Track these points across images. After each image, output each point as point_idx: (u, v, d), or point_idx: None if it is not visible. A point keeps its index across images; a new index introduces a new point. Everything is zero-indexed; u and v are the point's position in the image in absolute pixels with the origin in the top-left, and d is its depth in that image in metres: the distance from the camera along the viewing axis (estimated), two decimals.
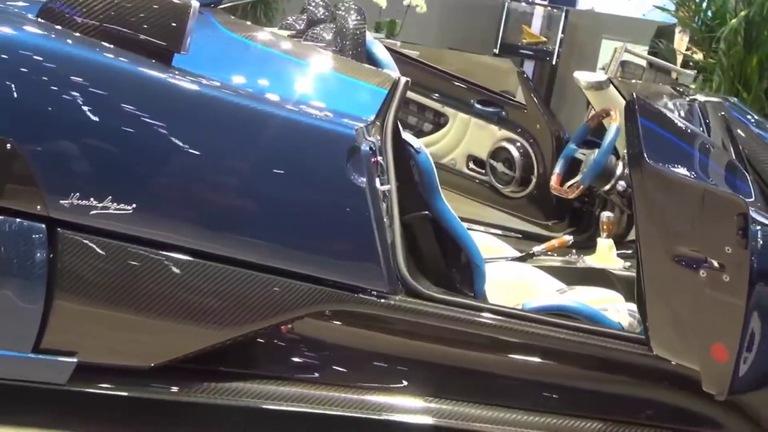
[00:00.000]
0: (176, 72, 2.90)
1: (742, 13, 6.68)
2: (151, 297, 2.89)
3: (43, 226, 2.81)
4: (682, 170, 2.81)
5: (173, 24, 2.87)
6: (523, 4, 9.12)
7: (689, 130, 3.21)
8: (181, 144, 2.88)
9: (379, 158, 3.05)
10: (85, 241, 2.86)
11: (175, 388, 2.96)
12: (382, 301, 3.02)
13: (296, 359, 3.10)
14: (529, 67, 8.14)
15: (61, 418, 3.01)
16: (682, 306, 2.78)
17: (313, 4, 3.79)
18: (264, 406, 2.98)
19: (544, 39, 8.48)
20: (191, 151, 2.88)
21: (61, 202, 2.80)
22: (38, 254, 2.81)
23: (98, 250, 2.87)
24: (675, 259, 2.74)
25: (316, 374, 3.07)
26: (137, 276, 2.88)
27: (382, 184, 3.03)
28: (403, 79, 3.24)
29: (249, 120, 2.93)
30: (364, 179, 2.96)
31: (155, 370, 2.94)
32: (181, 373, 2.97)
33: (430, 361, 3.11)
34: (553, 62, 8.18)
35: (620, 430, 3.04)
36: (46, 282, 2.81)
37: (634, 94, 3.00)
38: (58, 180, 2.82)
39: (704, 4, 7.12)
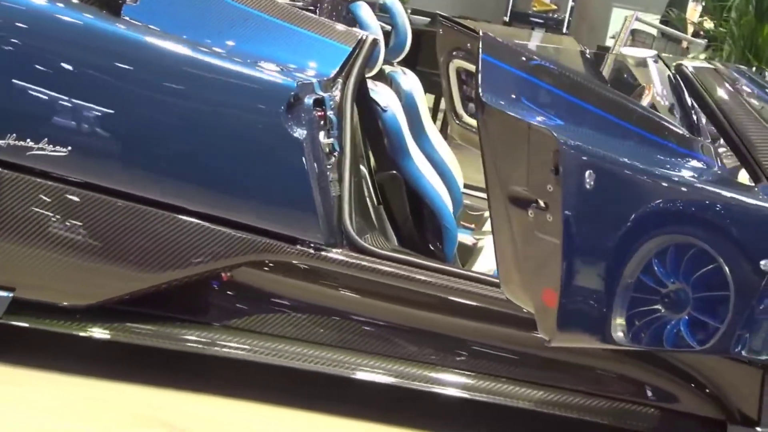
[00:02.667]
0: (123, 22, 3.00)
1: None
2: (85, 238, 2.95)
3: None
4: (520, 109, 2.66)
5: None
6: None
7: (553, 70, 2.99)
8: (119, 90, 2.96)
9: (330, 113, 3.04)
10: (21, 181, 2.92)
11: (108, 329, 2.98)
12: (322, 254, 3.02)
13: (234, 307, 3.10)
14: (538, 35, 8.10)
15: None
16: (521, 249, 2.70)
17: None
18: (198, 351, 3.00)
19: (554, 7, 8.46)
20: (130, 97, 2.96)
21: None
22: None
23: (34, 190, 2.93)
24: (511, 199, 2.68)
25: (254, 323, 3.07)
26: (73, 217, 2.95)
27: (330, 138, 3.03)
28: (371, 38, 3.26)
29: (189, 68, 2.98)
30: (304, 131, 2.97)
31: (91, 310, 2.98)
32: (117, 315, 3.00)
33: (367, 315, 3.10)
34: (564, 30, 8.16)
35: (564, 398, 2.99)
36: None
37: (481, 31, 2.90)
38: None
39: None
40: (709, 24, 7.18)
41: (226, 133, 3.00)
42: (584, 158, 2.50)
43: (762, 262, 2.60)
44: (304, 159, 2.98)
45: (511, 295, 2.76)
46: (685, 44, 7.16)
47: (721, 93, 3.17)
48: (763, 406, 2.79)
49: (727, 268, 2.61)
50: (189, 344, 3.00)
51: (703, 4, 7.23)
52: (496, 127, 2.65)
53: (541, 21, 8.22)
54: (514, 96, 2.68)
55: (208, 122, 2.99)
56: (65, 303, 3.01)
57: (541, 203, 2.54)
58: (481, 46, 2.70)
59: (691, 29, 7.27)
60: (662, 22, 7.23)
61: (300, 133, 2.98)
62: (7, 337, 3.00)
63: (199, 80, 3.00)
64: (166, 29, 3.08)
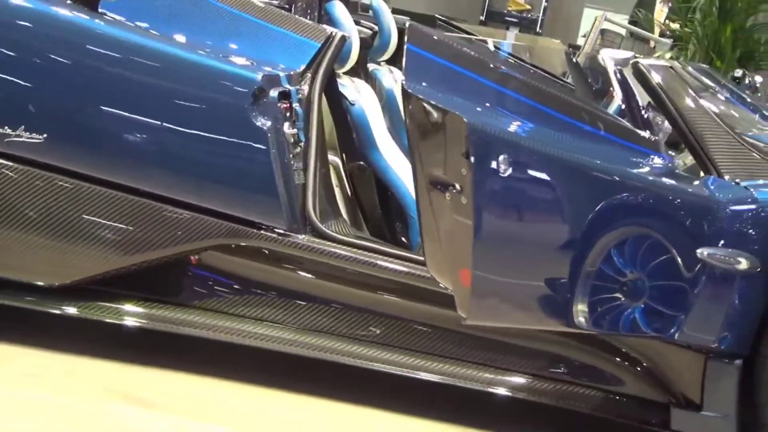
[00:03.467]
0: (98, 16, 3.08)
1: None
2: (58, 221, 3.02)
3: None
4: (444, 97, 2.64)
5: None
6: None
7: (481, 60, 2.96)
8: (93, 80, 3.03)
9: (296, 105, 3.11)
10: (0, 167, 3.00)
11: (77, 308, 3.04)
12: (285, 239, 3.08)
13: (201, 288, 3.15)
14: (510, 34, 8.16)
15: None
16: (441, 231, 2.72)
17: None
18: (165, 329, 3.04)
19: (528, 6, 8.47)
20: (102, 87, 3.03)
21: None
22: None
23: (11, 174, 3.01)
24: (432, 183, 2.69)
25: (219, 304, 3.13)
26: (46, 201, 3.02)
27: (294, 129, 3.09)
28: (339, 34, 3.32)
29: (160, 60, 3.05)
30: (268, 122, 3.03)
31: (59, 289, 3.05)
32: (87, 294, 3.07)
33: (330, 297, 3.14)
34: (537, 29, 8.21)
35: (515, 380, 3.02)
36: None
37: (408, 23, 2.92)
38: None
39: None
40: (675, 25, 7.24)
41: (194, 122, 3.06)
42: (499, 143, 2.52)
43: (698, 251, 2.76)
44: (267, 148, 3.03)
45: (435, 274, 2.80)
46: (652, 44, 7.23)
47: (675, 90, 3.15)
48: (705, 391, 2.80)
49: (679, 258, 2.70)
50: (160, 323, 3.04)
51: (670, 5, 7.30)
52: (419, 115, 2.68)
53: (516, 20, 8.25)
54: (438, 84, 2.67)
55: (178, 111, 3.06)
56: (40, 282, 3.05)
57: (457, 186, 2.57)
58: (407, 36, 2.72)
59: (658, 30, 7.34)
60: (631, 22, 7.32)
61: (264, 123, 3.03)
62: None
63: (169, 71, 3.06)
64: (141, 24, 3.15)
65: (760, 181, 2.94)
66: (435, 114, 2.61)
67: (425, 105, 2.62)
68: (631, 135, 3.03)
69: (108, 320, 3.04)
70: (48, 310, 3.05)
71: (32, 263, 3.07)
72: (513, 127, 2.71)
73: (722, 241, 2.76)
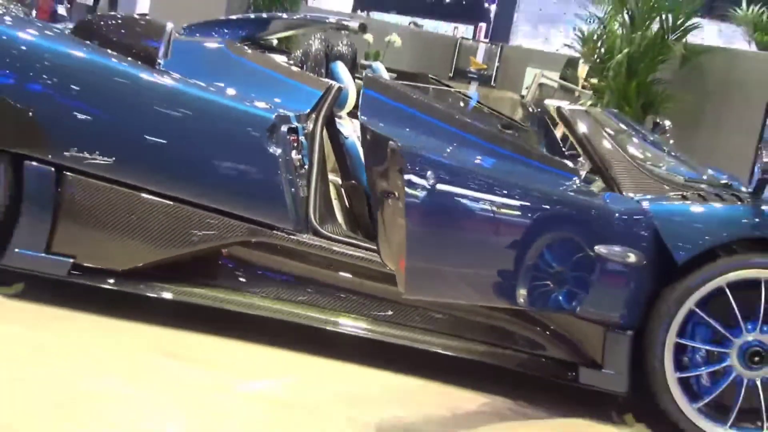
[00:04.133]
0: (158, 71, 3.14)
1: (625, 51, 6.74)
2: (124, 222, 3.05)
3: (53, 169, 3.01)
4: (388, 126, 2.69)
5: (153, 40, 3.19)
6: (471, 41, 9.32)
7: (422, 102, 3.00)
8: (154, 119, 3.06)
9: (301, 138, 3.15)
10: (80, 181, 3.03)
11: (139, 286, 3.06)
12: (292, 237, 3.10)
13: (229, 274, 3.15)
14: (473, 86, 8.21)
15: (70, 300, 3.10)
16: (386, 228, 2.77)
17: (311, 43, 3.95)
18: (206, 304, 3.04)
19: (485, 66, 8.52)
20: (160, 125, 3.06)
21: (65, 153, 3.01)
22: (48, 189, 3.00)
23: (89, 188, 3.04)
24: (380, 193, 2.74)
25: (242, 285, 3.12)
26: (113, 207, 3.04)
27: (300, 155, 3.13)
28: (336, 86, 3.37)
29: (203, 105, 3.10)
30: (279, 150, 3.07)
31: (125, 273, 3.06)
32: (146, 276, 3.08)
33: (326, 281, 3.14)
34: (492, 83, 8.27)
35: (461, 344, 3.00)
36: (53, 206, 3.00)
37: (365, 72, 3.03)
38: (66, 139, 3.01)
39: (599, 43, 7.19)
40: (594, 80, 7.26)
41: (225, 149, 3.10)
42: (426, 162, 2.55)
43: (596, 247, 2.78)
44: (278, 169, 3.07)
45: (385, 261, 2.86)
46: (577, 94, 7.25)
47: (589, 127, 3.19)
48: (605, 354, 2.86)
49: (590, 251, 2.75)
50: (197, 299, 3.04)
51: (590, 65, 7.31)
52: (370, 141, 2.76)
53: (475, 76, 8.32)
54: (387, 119, 2.73)
55: (213, 141, 3.10)
56: (112, 267, 3.06)
57: (396, 194, 2.62)
58: (364, 83, 2.81)
59: (581, 83, 7.36)
60: (561, 77, 7.35)
61: (276, 150, 3.07)
62: (64, 288, 3.08)
63: (208, 113, 3.11)
64: (188, 76, 3.20)
65: (650, 196, 2.96)
66: (380, 141, 2.64)
67: (374, 133, 2.65)
68: (551, 161, 3.06)
69: (162, 296, 3.05)
70: (117, 289, 3.06)
71: (104, 253, 3.07)
72: (440, 150, 2.72)
73: (614, 241, 2.77)
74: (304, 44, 4.12)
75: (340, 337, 3.07)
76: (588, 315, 2.86)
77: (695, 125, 6.71)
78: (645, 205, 2.89)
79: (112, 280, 3.05)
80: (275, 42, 4.43)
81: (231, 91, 3.22)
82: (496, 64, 8.40)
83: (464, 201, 2.66)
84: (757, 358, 2.77)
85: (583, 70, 7.41)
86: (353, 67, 4.27)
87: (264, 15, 5.76)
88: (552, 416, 2.92)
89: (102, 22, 3.32)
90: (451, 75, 8.37)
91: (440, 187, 2.57)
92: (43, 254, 3.01)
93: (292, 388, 2.79)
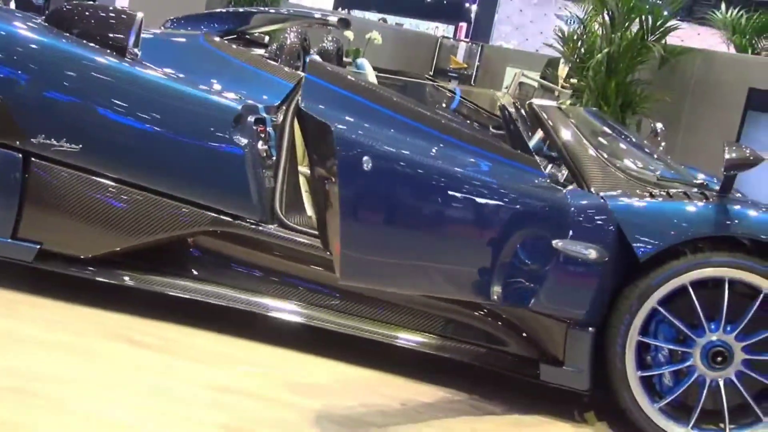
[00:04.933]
0: (127, 60, 3.13)
1: (605, 50, 6.71)
2: (88, 208, 3.02)
3: (20, 155, 2.99)
4: (334, 111, 2.60)
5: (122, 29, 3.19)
6: (452, 40, 9.27)
7: (368, 88, 2.91)
8: (125, 108, 3.04)
9: (269, 129, 3.10)
10: (48, 168, 3.00)
11: (105, 273, 3.04)
12: (258, 228, 3.07)
13: (196, 263, 3.13)
14: (454, 85, 8.15)
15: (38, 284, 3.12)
16: (324, 213, 2.75)
17: (287, 35, 3.97)
18: (168, 293, 3.02)
19: (465, 65, 8.48)
20: (126, 114, 3.04)
21: (32, 140, 2.99)
22: (15, 175, 2.98)
23: (56, 174, 3.01)
24: (317, 178, 2.72)
25: (208, 274, 3.10)
26: (80, 194, 3.02)
27: (267, 146, 3.09)
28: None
29: (170, 94, 3.08)
30: (245, 141, 3.03)
31: (91, 259, 3.05)
32: (111, 264, 3.06)
33: (290, 272, 3.11)
34: (472, 82, 8.22)
35: (424, 340, 2.94)
36: (19, 192, 2.98)
37: (308, 58, 2.99)
38: (33, 126, 2.98)
39: (579, 43, 7.15)
40: (574, 80, 7.23)
41: (190, 138, 3.07)
42: (362, 147, 2.48)
43: (554, 242, 2.71)
44: (243, 160, 3.04)
45: (323, 245, 2.80)
46: (556, 93, 7.21)
47: (559, 124, 3.11)
48: (566, 351, 2.78)
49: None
50: (162, 287, 3.01)
51: (570, 65, 7.27)
52: (310, 127, 2.71)
53: (456, 75, 8.27)
54: (329, 105, 2.65)
55: (179, 131, 3.06)
56: (77, 254, 3.04)
57: (332, 179, 2.57)
58: (307, 68, 2.76)
59: (561, 82, 7.31)
60: (541, 77, 7.30)
61: (240, 141, 3.04)
62: (29, 274, 3.09)
63: (174, 101, 3.08)
64: (164, 67, 3.19)
65: (616, 193, 2.88)
66: (318, 126, 2.59)
67: (312, 119, 2.60)
68: (510, 154, 2.96)
69: (126, 284, 3.03)
70: (80, 275, 3.04)
71: (70, 239, 3.05)
72: (381, 136, 2.62)
73: (574, 236, 2.70)
74: (281, 37, 4.08)
75: (300, 328, 3.03)
76: (547, 311, 2.79)
77: (674, 125, 6.68)
78: (608, 201, 2.81)
79: (78, 267, 3.03)
80: (266, 39, 4.41)
81: (199, 82, 3.18)
82: (477, 63, 8.36)
83: (403, 189, 2.58)
84: (719, 359, 2.70)
85: (563, 69, 7.36)
86: (339, 63, 4.23)
87: (251, 9, 5.77)
88: (510, 412, 2.86)
89: (74, 11, 3.29)
90: (431, 74, 8.32)
91: (377, 173, 2.50)
92: (9, 240, 2.98)
93: (243, 375, 2.76)
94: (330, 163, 2.53)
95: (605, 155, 3.06)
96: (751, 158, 2.70)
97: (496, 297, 2.70)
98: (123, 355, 2.72)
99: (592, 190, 2.91)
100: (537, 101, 3.32)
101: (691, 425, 2.71)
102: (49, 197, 3.01)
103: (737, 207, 2.77)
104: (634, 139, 3.74)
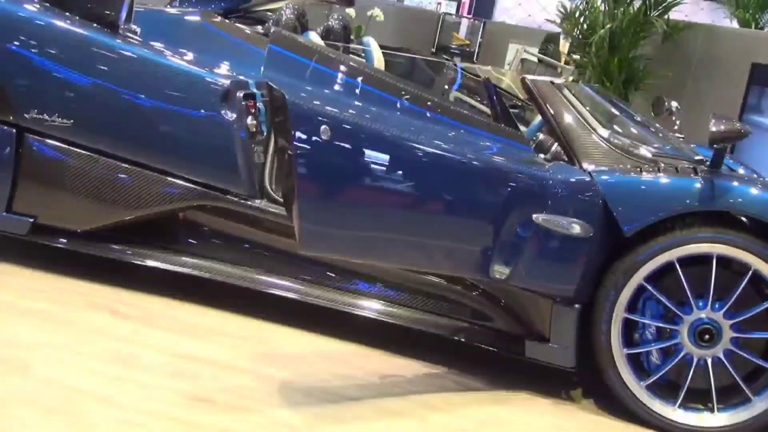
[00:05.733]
0: (118, 36, 3.11)
1: (608, 26, 6.59)
2: (80, 182, 3.01)
3: (13, 130, 2.99)
4: (296, 81, 2.56)
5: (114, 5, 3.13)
6: (454, 16, 9.06)
7: (332, 58, 2.84)
8: (111, 84, 3.02)
9: (259, 104, 3.04)
10: (41, 142, 3.00)
11: (96, 246, 3.03)
12: (246, 202, 3.04)
13: (186, 237, 3.12)
14: (457, 61, 8.01)
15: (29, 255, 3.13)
16: (286, 184, 2.72)
17: (284, 11, 3.86)
18: (158, 266, 3.01)
19: (468, 42, 8.32)
20: (117, 89, 3.02)
21: (25, 115, 2.98)
22: (8, 149, 2.98)
23: (48, 149, 3.01)
24: (279, 149, 2.67)
25: (198, 249, 3.09)
26: (72, 169, 3.01)
27: (256, 121, 3.02)
28: None
29: (160, 70, 3.05)
30: (234, 115, 2.98)
31: (84, 233, 3.04)
32: (104, 238, 3.05)
33: (278, 247, 3.07)
34: (474, 59, 8.07)
35: (412, 315, 2.89)
36: (12, 168, 2.98)
37: (272, 28, 2.90)
38: (26, 101, 2.98)
39: (581, 19, 7.01)
40: (576, 56, 7.10)
41: (180, 113, 3.04)
42: (319, 117, 2.42)
43: (534, 216, 2.63)
44: (231, 135, 2.99)
45: (288, 215, 2.76)
46: (559, 70, 7.08)
47: (551, 98, 3.01)
48: (551, 328, 2.72)
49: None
50: (152, 261, 3.01)
51: (570, 40, 7.13)
52: (270, 97, 2.67)
53: (458, 52, 8.12)
54: (291, 74, 2.59)
55: (169, 106, 3.04)
56: (71, 227, 3.04)
57: (290, 150, 2.51)
58: (270, 38, 2.70)
59: (563, 59, 7.18)
60: (541, 52, 7.16)
61: (229, 115, 2.99)
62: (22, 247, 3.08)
63: (164, 76, 3.05)
64: (155, 42, 3.16)
65: (605, 168, 2.79)
66: (277, 95, 2.52)
67: (272, 88, 2.55)
68: (496, 129, 2.88)
69: (116, 257, 3.03)
70: (73, 249, 3.03)
71: (64, 213, 3.05)
72: (341, 105, 2.55)
73: (556, 211, 2.62)
74: (277, 13, 4.00)
75: (287, 302, 2.98)
76: (530, 286, 2.72)
77: (677, 101, 6.52)
78: (594, 176, 2.72)
79: (71, 241, 3.03)
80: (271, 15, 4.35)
81: (189, 57, 3.15)
82: (479, 39, 8.20)
83: (362, 158, 2.51)
84: (707, 336, 2.62)
85: (564, 45, 7.21)
86: (347, 41, 4.14)
87: None
88: (492, 388, 2.80)
89: None
90: (433, 50, 8.19)
91: (335, 142, 2.43)
92: (3, 213, 2.99)
93: (217, 345, 2.73)
94: (288, 132, 2.47)
95: (598, 131, 2.97)
96: (738, 131, 2.60)
97: (471, 271, 2.62)
98: (101, 324, 2.70)
99: (583, 165, 2.82)
100: (530, 76, 3.23)
101: (678, 404, 2.64)
102: (42, 172, 3.01)
103: (725, 181, 2.67)
104: (634, 116, 3.64)
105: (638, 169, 2.81)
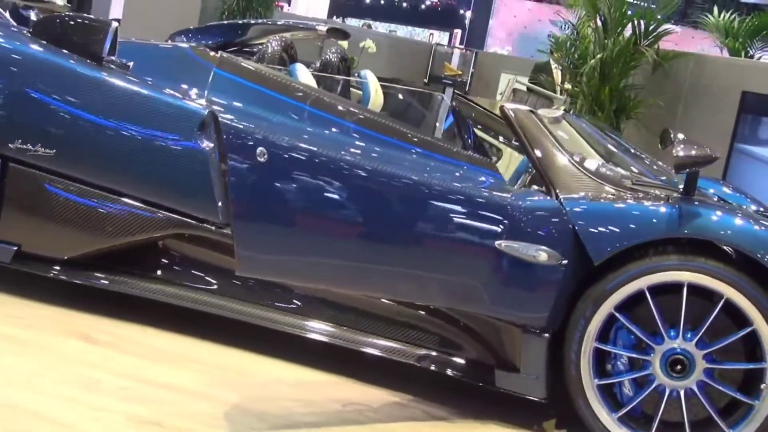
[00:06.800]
0: (100, 68, 3.13)
1: (598, 56, 6.58)
2: (61, 211, 3.02)
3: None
4: (239, 103, 2.57)
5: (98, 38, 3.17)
6: (446, 47, 9.12)
7: (283, 83, 2.85)
8: (92, 114, 3.04)
9: None
10: (24, 172, 3.02)
11: (78, 275, 3.03)
12: (221, 230, 3.01)
13: (163, 264, 3.11)
14: (448, 92, 7.99)
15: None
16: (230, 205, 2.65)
17: (269, 43, 3.85)
18: (137, 294, 2.99)
19: (460, 72, 8.34)
20: (97, 119, 3.04)
21: (10, 145, 3.01)
22: None
23: (32, 178, 3.03)
24: (223, 171, 2.61)
25: (175, 276, 3.07)
26: (53, 197, 3.02)
27: None
28: None
29: (139, 100, 3.07)
30: (211, 145, 2.90)
31: (68, 261, 3.04)
32: (89, 266, 3.04)
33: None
34: (466, 89, 8.08)
35: (381, 343, 2.82)
36: None
37: (220, 53, 2.86)
38: (11, 132, 3.00)
39: (573, 49, 7.00)
40: (568, 85, 7.07)
41: (158, 143, 3.04)
42: (254, 139, 2.40)
43: (497, 243, 2.55)
44: (208, 164, 2.91)
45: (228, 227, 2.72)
46: (551, 99, 7.05)
47: (529, 127, 2.93)
48: (521, 357, 2.62)
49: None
50: (128, 289, 2.99)
51: (563, 70, 7.12)
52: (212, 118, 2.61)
53: (450, 82, 8.12)
54: (236, 97, 2.61)
55: (148, 136, 3.04)
56: (55, 255, 3.04)
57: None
58: (217, 63, 2.69)
59: (558, 88, 7.16)
60: (532, 82, 7.13)
61: (207, 145, 2.92)
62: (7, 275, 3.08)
63: (143, 107, 3.06)
64: (143, 74, 3.18)
65: (577, 196, 2.70)
66: (212, 118, 2.53)
67: (213, 112, 2.56)
68: (458, 155, 2.83)
69: (98, 286, 3.01)
70: (61, 278, 3.03)
71: (46, 242, 3.05)
72: (286, 129, 2.55)
73: (520, 238, 2.55)
74: (264, 45, 4.00)
75: (259, 329, 2.92)
76: (494, 314, 2.64)
77: (668, 129, 6.49)
78: (565, 203, 2.64)
79: (54, 269, 3.03)
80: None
81: (169, 89, 3.15)
82: (471, 69, 8.22)
83: (301, 182, 2.46)
84: (679, 367, 2.51)
85: (556, 75, 7.19)
86: (346, 74, 4.14)
87: (249, 21, 5.75)
88: (461, 418, 2.70)
89: (56, 22, 3.34)
90: (426, 81, 8.20)
91: (270, 164, 2.39)
92: None
93: (184, 371, 2.69)
94: (223, 155, 2.45)
95: (576, 159, 2.89)
96: (705, 156, 2.52)
97: (428, 298, 2.55)
98: (72, 349, 2.69)
99: (558, 193, 2.74)
100: (509, 104, 3.18)
101: None
102: (25, 200, 3.02)
103: (695, 208, 2.58)
104: (621, 144, 3.57)
105: (611, 196, 2.73)
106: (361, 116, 2.74)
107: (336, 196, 2.47)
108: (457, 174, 2.69)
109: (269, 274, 2.58)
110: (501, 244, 2.53)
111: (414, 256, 2.53)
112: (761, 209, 3.64)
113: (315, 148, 2.48)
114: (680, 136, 3.98)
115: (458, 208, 2.56)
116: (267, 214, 2.46)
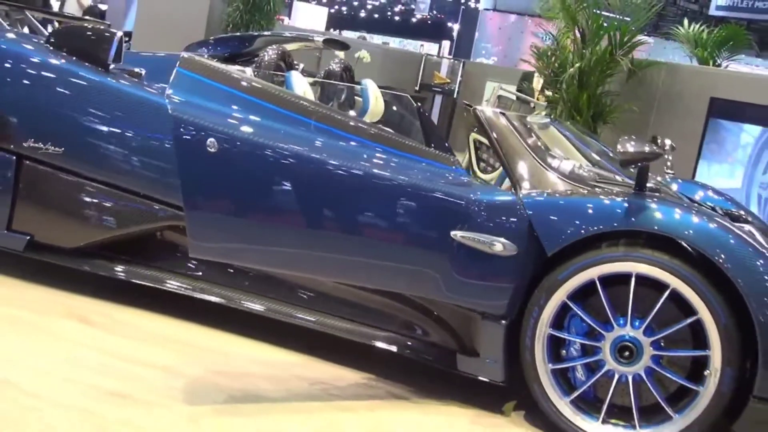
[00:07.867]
0: (106, 74, 3.18)
1: (577, 65, 6.59)
2: (69, 204, 3.05)
3: (13, 157, 3.05)
4: (198, 99, 2.53)
5: (103, 46, 3.21)
6: (435, 57, 9.07)
7: (243, 81, 2.74)
8: (97, 115, 3.06)
9: None
10: (37, 168, 3.05)
11: (89, 263, 3.03)
12: None
13: (162, 254, 3.10)
14: (438, 99, 7.96)
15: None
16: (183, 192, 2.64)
17: (266, 52, 3.92)
18: (132, 281, 2.98)
19: (448, 80, 8.29)
20: (102, 120, 3.06)
21: (23, 144, 3.05)
22: (9, 174, 3.04)
23: (43, 174, 3.05)
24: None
25: (172, 265, 3.04)
26: (62, 191, 3.05)
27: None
28: None
29: (140, 103, 3.08)
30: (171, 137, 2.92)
31: (74, 250, 3.06)
32: (94, 255, 3.05)
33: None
34: (455, 96, 8.02)
35: (355, 327, 2.77)
36: (12, 191, 3.04)
37: (183, 53, 2.88)
38: (25, 131, 3.05)
39: (553, 58, 6.97)
40: (548, 92, 7.04)
41: (157, 143, 3.04)
42: (205, 129, 2.39)
43: (452, 233, 2.52)
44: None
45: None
46: (532, 105, 7.02)
47: (499, 128, 2.87)
48: (480, 342, 2.59)
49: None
50: (131, 276, 2.97)
51: (544, 78, 7.08)
52: (172, 114, 2.61)
53: (439, 90, 8.07)
54: (196, 94, 2.56)
55: (148, 136, 3.05)
56: (61, 245, 3.05)
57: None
58: (179, 63, 2.65)
59: (537, 95, 7.12)
60: (518, 90, 7.10)
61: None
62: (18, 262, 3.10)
63: (144, 109, 3.07)
64: (152, 81, 3.20)
65: (536, 191, 2.65)
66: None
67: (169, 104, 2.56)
68: (425, 153, 2.76)
69: (100, 273, 3.01)
70: (69, 265, 3.04)
71: (56, 232, 3.07)
72: (239, 122, 2.48)
73: (476, 229, 2.52)
74: (261, 54, 3.98)
75: (248, 314, 2.88)
76: (452, 301, 2.60)
77: (642, 133, 6.47)
78: (523, 197, 2.60)
79: (64, 257, 3.06)
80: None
81: (158, 90, 3.17)
82: (459, 78, 8.17)
83: (250, 171, 2.43)
84: (627, 353, 2.47)
85: (537, 82, 7.15)
86: (351, 82, 4.12)
87: (255, 33, 5.74)
88: (424, 398, 2.66)
89: (68, 32, 3.42)
90: (417, 88, 8.16)
91: (220, 155, 2.37)
92: (4, 231, 3.05)
93: (169, 351, 2.66)
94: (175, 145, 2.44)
95: (541, 158, 2.84)
96: (650, 152, 2.47)
97: (384, 285, 2.54)
98: (67, 330, 2.68)
99: (521, 188, 2.70)
100: (480, 107, 3.15)
101: (600, 419, 2.48)
102: (37, 194, 3.07)
103: (644, 202, 2.53)
104: (592, 146, 3.51)
105: (568, 191, 2.69)
106: (321, 112, 2.70)
107: (285, 187, 2.44)
108: (416, 168, 2.65)
109: (220, 257, 2.58)
110: (457, 234, 2.49)
111: (365, 245, 2.50)
112: (742, 213, 3.58)
113: (264, 141, 2.44)
114: (667, 141, 3.87)
115: (412, 199, 2.52)
116: (216, 202, 2.43)
